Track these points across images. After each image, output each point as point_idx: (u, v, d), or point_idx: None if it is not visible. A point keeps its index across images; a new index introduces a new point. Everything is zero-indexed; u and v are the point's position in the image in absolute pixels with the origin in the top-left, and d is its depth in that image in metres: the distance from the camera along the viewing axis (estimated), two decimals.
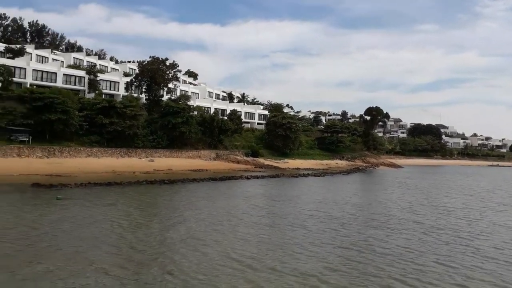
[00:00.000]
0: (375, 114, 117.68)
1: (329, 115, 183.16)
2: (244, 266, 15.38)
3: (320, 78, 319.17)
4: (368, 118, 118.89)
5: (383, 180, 62.28)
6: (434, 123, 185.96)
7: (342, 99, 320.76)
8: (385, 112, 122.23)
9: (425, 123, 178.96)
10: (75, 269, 14.18)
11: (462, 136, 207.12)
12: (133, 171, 50.20)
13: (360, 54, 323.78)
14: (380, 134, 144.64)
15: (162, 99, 75.89)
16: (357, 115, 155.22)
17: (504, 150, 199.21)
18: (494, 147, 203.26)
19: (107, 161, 55.93)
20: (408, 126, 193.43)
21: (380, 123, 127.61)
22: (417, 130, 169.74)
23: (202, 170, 57.31)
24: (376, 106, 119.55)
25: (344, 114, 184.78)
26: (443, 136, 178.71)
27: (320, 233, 21.52)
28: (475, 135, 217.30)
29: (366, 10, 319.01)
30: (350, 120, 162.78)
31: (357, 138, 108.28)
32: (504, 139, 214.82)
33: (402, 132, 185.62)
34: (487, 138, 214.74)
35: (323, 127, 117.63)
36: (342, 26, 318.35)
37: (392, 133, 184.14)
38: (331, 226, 23.32)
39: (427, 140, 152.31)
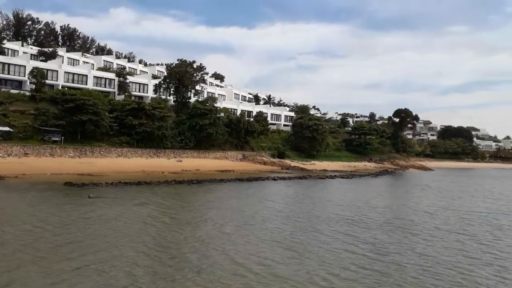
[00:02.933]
0: (404, 116, 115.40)
1: (357, 117, 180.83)
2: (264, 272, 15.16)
3: (347, 80, 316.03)
4: (397, 120, 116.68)
5: (413, 183, 60.86)
6: (465, 126, 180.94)
7: (370, 101, 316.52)
8: (414, 114, 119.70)
9: (455, 126, 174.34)
10: (107, 265, 14.28)
11: (494, 139, 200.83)
12: (161, 171, 50.71)
13: (388, 55, 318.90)
14: (410, 136, 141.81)
15: (190, 101, 76.67)
16: (386, 117, 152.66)
17: None
18: None
19: (136, 161, 56.79)
20: (438, 128, 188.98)
21: (409, 125, 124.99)
22: (448, 132, 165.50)
23: (229, 171, 57.41)
24: (405, 108, 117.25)
25: (372, 116, 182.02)
26: (474, 139, 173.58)
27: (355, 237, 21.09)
28: (508, 137, 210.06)
29: (394, 12, 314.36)
30: (378, 122, 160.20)
31: (386, 140, 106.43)
32: None
33: (432, 135, 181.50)
34: None
35: (350, 128, 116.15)
36: (370, 28, 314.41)
37: (421, 135, 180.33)
38: (371, 230, 22.84)
39: (457, 143, 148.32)
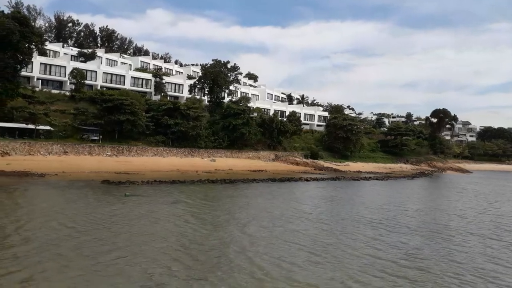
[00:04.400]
0: (442, 117, 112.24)
1: (393, 117, 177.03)
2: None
3: (383, 79, 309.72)
4: (434, 120, 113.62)
5: (450, 186, 59.12)
6: (506, 126, 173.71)
7: (407, 101, 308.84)
8: (452, 114, 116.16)
9: (496, 126, 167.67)
10: (143, 260, 14.71)
11: None
12: (195, 170, 51.49)
13: (425, 54, 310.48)
14: (448, 138, 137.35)
15: (224, 101, 77.39)
16: (423, 117, 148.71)
17: None
18: None
19: (171, 160, 57.89)
20: (478, 129, 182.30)
21: (447, 126, 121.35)
22: (488, 133, 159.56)
23: (261, 171, 57.60)
24: (443, 108, 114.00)
25: (408, 116, 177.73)
26: None
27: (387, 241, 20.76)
28: None
29: (432, 9, 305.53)
30: (415, 123, 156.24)
31: (423, 141, 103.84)
32: None
33: (471, 136, 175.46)
34: None
35: (386, 129, 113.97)
36: (407, 26, 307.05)
37: (460, 136, 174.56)
38: (401, 235, 22.44)
39: (498, 144, 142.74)
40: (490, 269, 15.99)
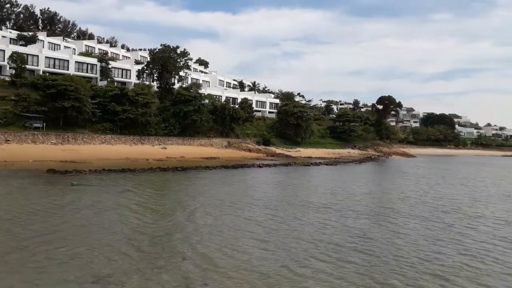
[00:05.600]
0: (388, 103, 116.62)
1: (341, 104, 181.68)
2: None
3: (331, 67, 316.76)
4: (380, 107, 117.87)
5: (394, 170, 61.72)
6: (447, 113, 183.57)
7: (354, 88, 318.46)
8: (397, 101, 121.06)
9: (438, 113, 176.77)
10: (84, 251, 14.27)
11: (476, 126, 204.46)
12: (146, 158, 50.49)
13: (372, 43, 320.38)
14: (393, 124, 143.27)
15: (174, 87, 76.00)
16: (369, 104, 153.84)
17: None
18: (509, 137, 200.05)
19: (120, 148, 56.36)
20: (421, 115, 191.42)
21: (392, 112, 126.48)
22: (430, 119, 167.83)
23: (214, 158, 57.43)
24: (388, 95, 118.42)
25: (356, 103, 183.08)
26: (456, 126, 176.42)
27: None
28: (489, 125, 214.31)
29: None
30: (362, 109, 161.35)
31: (369, 127, 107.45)
32: None
33: (415, 122, 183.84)
34: (501, 128, 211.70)
35: (334, 116, 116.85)
36: (355, 15, 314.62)
37: (404, 122, 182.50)
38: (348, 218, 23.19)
39: (440, 130, 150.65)
40: (431, 250, 16.84)
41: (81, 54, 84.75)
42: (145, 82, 74.49)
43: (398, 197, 31.57)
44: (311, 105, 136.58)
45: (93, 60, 78.97)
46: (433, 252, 16.21)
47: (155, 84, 76.56)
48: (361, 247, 16.49)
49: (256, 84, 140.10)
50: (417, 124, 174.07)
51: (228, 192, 30.02)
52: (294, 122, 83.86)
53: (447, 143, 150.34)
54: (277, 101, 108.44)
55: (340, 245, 16.68)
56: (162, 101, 71.10)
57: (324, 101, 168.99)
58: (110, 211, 21.34)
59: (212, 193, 28.91)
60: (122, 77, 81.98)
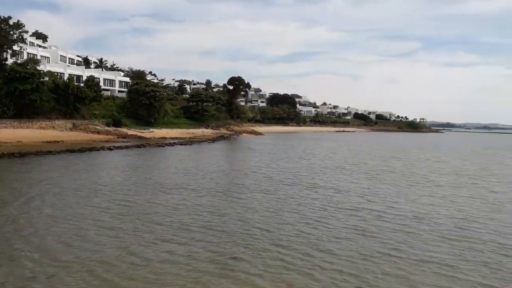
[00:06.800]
0: (238, 84, 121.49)
1: (194, 84, 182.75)
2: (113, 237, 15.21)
3: (183, 46, 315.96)
4: (231, 87, 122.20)
5: (243, 147, 65.38)
6: (289, 93, 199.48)
7: (206, 68, 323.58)
8: (246, 82, 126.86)
9: (282, 93, 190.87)
10: None
11: (314, 105, 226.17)
12: None
13: (222, 23, 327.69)
14: (243, 103, 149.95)
15: (7, 63, 67.18)
16: (221, 84, 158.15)
17: (349, 117, 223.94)
18: (341, 114, 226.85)
19: None
20: (267, 95, 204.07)
21: (242, 92, 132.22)
22: (275, 99, 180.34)
23: (57, 142, 53.16)
24: (238, 76, 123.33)
25: (208, 83, 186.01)
26: (298, 105, 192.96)
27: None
28: (324, 103, 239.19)
29: None
30: (214, 90, 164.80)
31: (221, 107, 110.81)
32: (349, 107, 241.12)
33: (262, 102, 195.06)
34: (335, 107, 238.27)
35: (188, 96, 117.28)
36: None
37: (253, 102, 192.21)
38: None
39: (284, 109, 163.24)
40: (277, 221, 18.84)
41: None
42: None
43: (246, 173, 33.86)
44: (164, 84, 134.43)
45: None
46: (276, 223, 18.15)
47: None
48: (210, 224, 17.54)
49: (103, 61, 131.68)
50: (264, 104, 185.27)
51: (73, 178, 28.31)
52: (147, 102, 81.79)
53: (290, 121, 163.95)
54: (128, 79, 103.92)
55: (190, 224, 17.47)
56: None
57: (177, 81, 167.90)
58: None
59: (53, 180, 26.96)
60: None
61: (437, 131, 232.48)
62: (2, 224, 16.51)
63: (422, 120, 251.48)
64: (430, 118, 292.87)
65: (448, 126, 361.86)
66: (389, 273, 12.61)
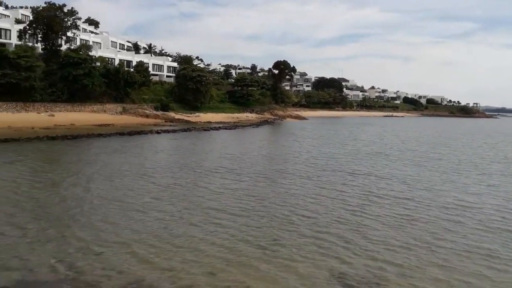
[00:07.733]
0: (283, 68, 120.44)
1: (239, 69, 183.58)
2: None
3: (229, 30, 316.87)
4: (276, 72, 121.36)
5: (287, 132, 65.23)
6: (336, 77, 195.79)
7: (251, 53, 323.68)
8: (292, 66, 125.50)
9: (328, 77, 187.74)
10: None
11: (361, 89, 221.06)
12: (31, 126, 46.96)
13: (267, 6, 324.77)
14: (287, 88, 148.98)
15: (61, 49, 70.28)
16: (266, 69, 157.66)
17: (398, 102, 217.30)
18: (390, 99, 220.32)
19: (1, 116, 51.50)
20: (313, 79, 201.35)
21: (287, 77, 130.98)
22: (321, 83, 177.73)
23: (108, 125, 55.39)
24: (283, 60, 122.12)
25: (253, 67, 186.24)
26: (344, 89, 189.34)
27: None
28: (372, 87, 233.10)
29: None
30: (259, 74, 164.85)
31: (266, 91, 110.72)
32: (398, 91, 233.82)
33: (307, 86, 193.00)
34: (383, 91, 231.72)
35: (233, 80, 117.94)
36: None
37: (298, 86, 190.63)
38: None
39: (329, 93, 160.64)
40: (317, 208, 18.91)
41: None
42: (28, 43, 67.76)
43: (288, 158, 33.91)
44: (210, 69, 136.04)
45: None
46: (316, 209, 18.21)
47: (39, 45, 70.09)
48: (252, 208, 17.88)
49: (152, 46, 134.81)
50: (309, 88, 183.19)
51: (121, 160, 29.47)
52: (193, 86, 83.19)
53: (335, 105, 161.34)
54: (175, 64, 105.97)
55: (232, 207, 17.88)
56: (48, 64, 65.56)
57: (223, 65, 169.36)
58: None
59: (103, 163, 28.15)
60: (0, 38, 73.45)
61: (491, 116, 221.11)
62: (52, 203, 17.60)
63: (475, 104, 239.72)
64: (484, 103, 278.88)
65: (504, 111, 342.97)
66: (431, 262, 12.39)
